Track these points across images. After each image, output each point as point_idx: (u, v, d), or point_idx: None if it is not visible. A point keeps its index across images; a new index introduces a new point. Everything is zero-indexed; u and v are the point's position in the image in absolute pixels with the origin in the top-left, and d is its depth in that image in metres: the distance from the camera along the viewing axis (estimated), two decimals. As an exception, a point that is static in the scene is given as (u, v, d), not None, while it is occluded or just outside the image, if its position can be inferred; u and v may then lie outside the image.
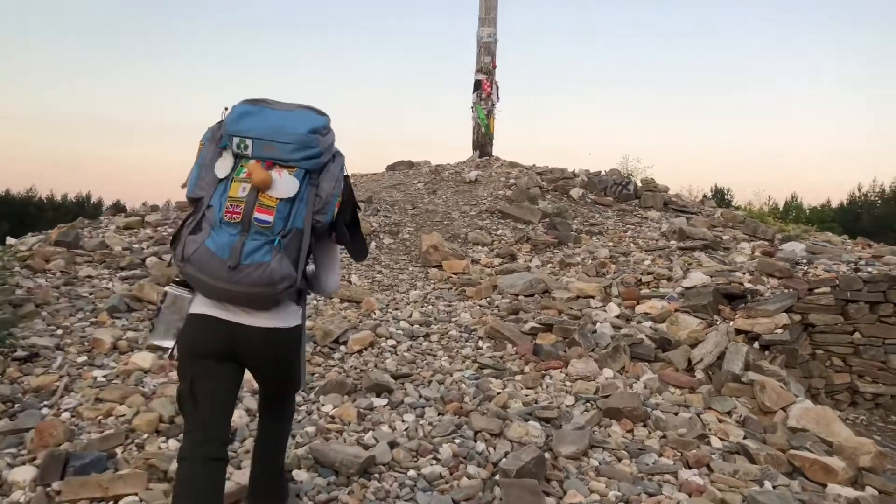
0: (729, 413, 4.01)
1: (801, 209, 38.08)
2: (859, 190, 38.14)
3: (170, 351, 2.18)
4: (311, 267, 2.26)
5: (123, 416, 3.31)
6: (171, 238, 2.26)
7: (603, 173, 12.01)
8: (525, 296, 5.99)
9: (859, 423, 5.05)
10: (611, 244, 7.79)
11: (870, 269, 5.25)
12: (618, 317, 5.32)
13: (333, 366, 4.30)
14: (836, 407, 5.13)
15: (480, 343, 4.85)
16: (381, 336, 4.79)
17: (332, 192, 2.10)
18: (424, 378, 4.14)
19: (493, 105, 13.44)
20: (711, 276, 5.50)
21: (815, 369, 5.04)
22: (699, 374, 4.51)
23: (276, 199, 2.01)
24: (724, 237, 7.99)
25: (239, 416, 3.35)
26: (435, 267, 6.98)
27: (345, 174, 2.19)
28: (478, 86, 13.40)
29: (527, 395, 3.97)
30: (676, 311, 5.21)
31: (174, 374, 3.67)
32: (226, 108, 2.11)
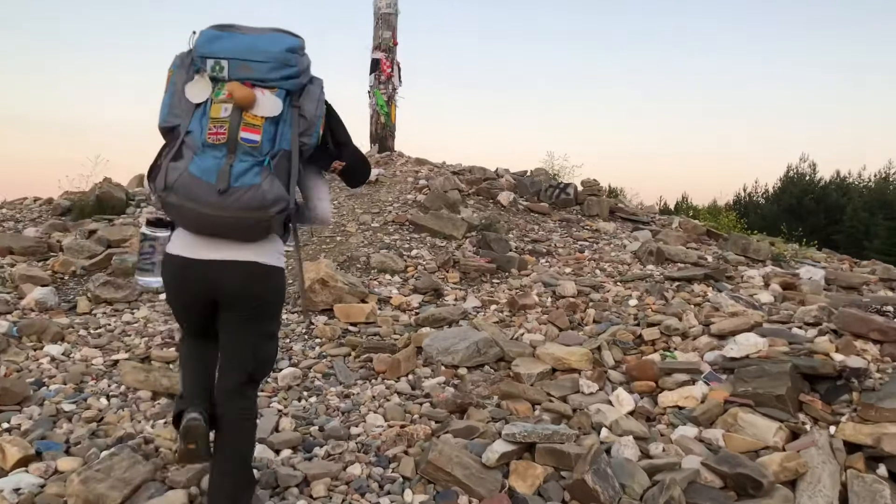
0: None
1: (697, 210, 38.81)
2: (744, 190, 39.90)
3: (158, 287, 2.31)
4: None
5: None
6: (148, 170, 2.04)
7: (529, 173, 10.01)
8: (470, 368, 3.75)
9: None
10: (568, 270, 5.69)
11: None
12: (632, 413, 3.18)
13: None
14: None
15: (408, 493, 2.55)
16: (212, 495, 2.39)
17: (315, 112, 2.04)
18: None
19: (394, 90, 11.14)
20: (764, 336, 3.50)
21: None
22: (818, 548, 2.43)
23: (262, 118, 1.95)
24: (708, 258, 6.10)
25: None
26: (323, 313, 4.60)
27: (325, 98, 2.10)
28: (375, 66, 11.04)
29: None
30: (728, 402, 3.13)
31: None
32: (194, 33, 2.02)
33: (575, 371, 3.60)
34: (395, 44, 11.12)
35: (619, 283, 5.16)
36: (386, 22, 11.02)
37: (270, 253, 2.06)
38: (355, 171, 2.32)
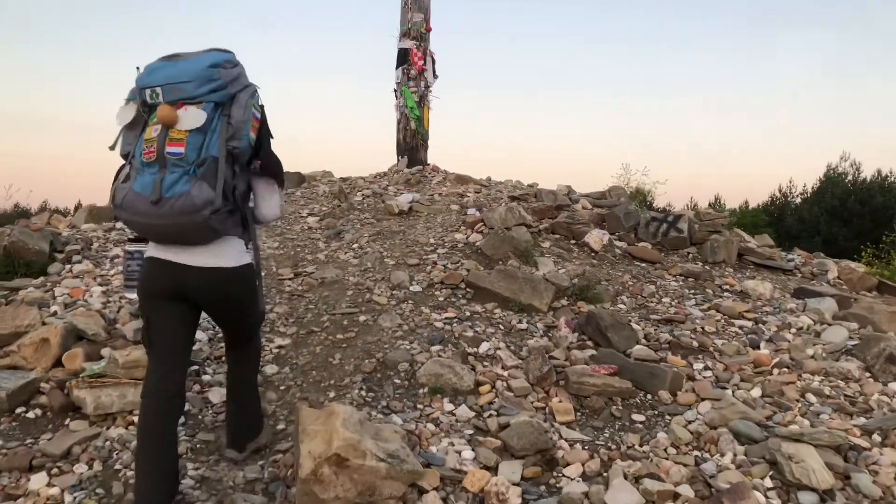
0: None
1: (734, 212, 36.05)
2: (780, 191, 37.12)
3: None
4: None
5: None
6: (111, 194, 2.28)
7: (607, 195, 7.67)
8: None
9: None
10: (757, 393, 3.34)
11: None
12: None
13: None
14: None
15: None
16: None
17: (242, 118, 2.18)
18: None
19: (427, 87, 8.84)
20: None
21: None
22: None
23: (185, 131, 2.12)
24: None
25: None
26: (338, 529, 2.31)
27: (259, 103, 2.28)
28: (404, 58, 8.75)
29: None
30: None
31: None
32: (138, 68, 2.21)
33: None
34: (429, 29, 8.82)
35: (870, 437, 2.81)
36: (416, 3, 8.73)
37: (230, 253, 2.26)
38: (269, 168, 2.40)
